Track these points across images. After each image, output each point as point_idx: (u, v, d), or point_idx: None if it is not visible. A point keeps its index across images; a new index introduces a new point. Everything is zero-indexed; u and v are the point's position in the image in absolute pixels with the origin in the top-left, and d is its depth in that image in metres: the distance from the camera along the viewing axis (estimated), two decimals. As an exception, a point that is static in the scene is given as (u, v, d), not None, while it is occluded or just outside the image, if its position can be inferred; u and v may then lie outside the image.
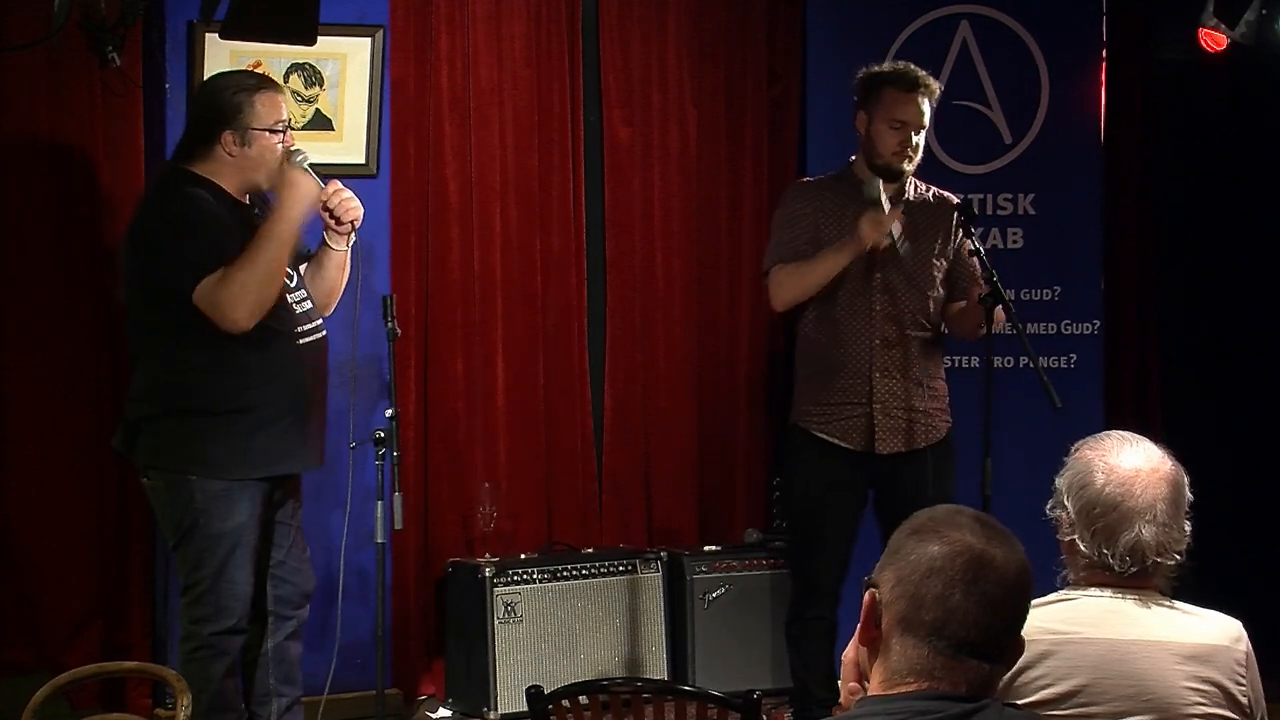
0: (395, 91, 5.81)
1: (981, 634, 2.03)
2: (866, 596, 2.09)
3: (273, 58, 5.40)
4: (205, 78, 5.25)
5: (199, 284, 4.38)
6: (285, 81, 5.46)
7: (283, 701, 4.71)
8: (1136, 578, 2.75)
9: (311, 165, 4.58)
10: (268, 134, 4.52)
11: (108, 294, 5.46)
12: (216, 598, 4.51)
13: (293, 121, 5.41)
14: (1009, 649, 2.08)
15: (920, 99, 5.05)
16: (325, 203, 4.63)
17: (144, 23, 5.36)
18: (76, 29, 5.21)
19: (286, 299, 4.54)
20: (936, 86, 5.12)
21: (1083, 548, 2.76)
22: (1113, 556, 2.73)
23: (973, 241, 4.94)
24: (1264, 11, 5.72)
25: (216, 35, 5.11)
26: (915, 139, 5.06)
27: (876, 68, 5.15)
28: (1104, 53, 6.43)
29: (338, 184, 4.67)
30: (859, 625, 2.11)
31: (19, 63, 5.28)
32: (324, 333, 4.68)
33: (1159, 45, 6.75)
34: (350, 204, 4.66)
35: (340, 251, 4.73)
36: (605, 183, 6.34)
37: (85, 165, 5.43)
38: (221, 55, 5.31)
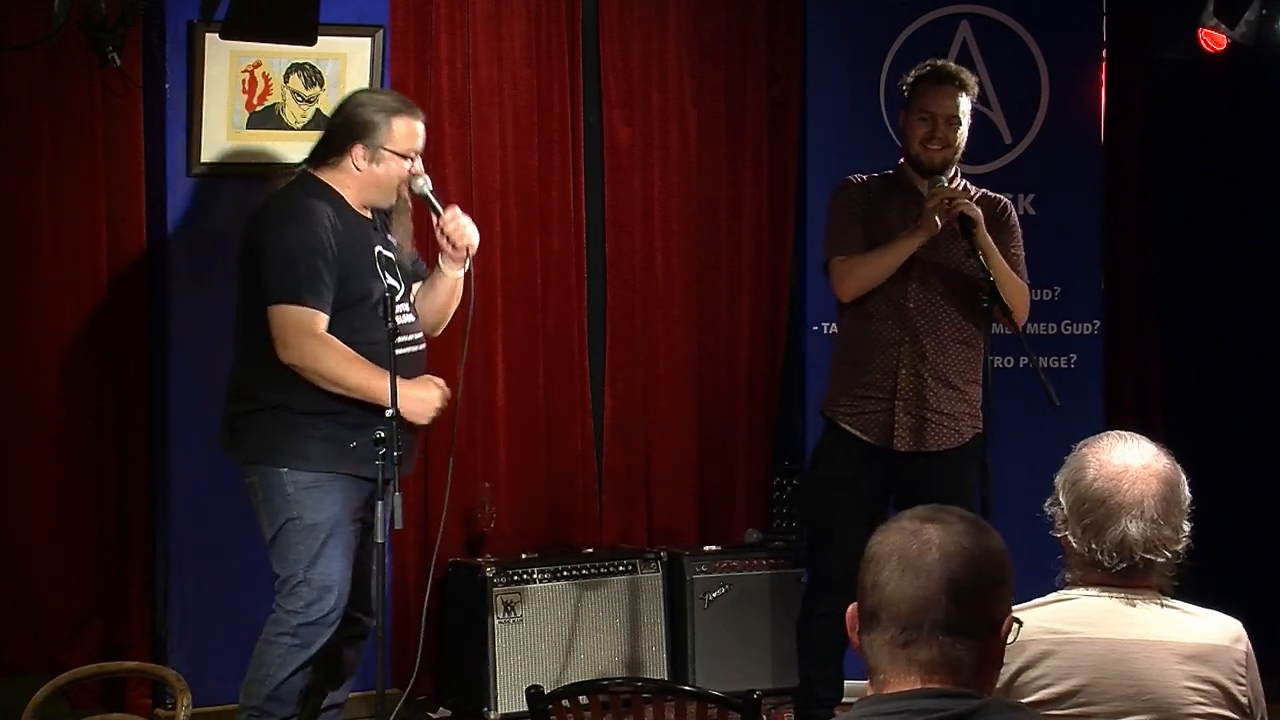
0: (395, 91, 5.80)
1: (912, 607, 2.02)
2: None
3: (273, 58, 5.40)
4: (204, 77, 5.27)
5: (280, 305, 4.50)
6: (285, 82, 5.47)
7: (321, 700, 4.73)
8: (1130, 576, 2.75)
9: (432, 189, 4.71)
10: (398, 158, 4.62)
11: (108, 293, 5.47)
12: (309, 589, 4.55)
13: (293, 122, 5.42)
14: (970, 622, 2.04)
15: (954, 93, 5.05)
16: (442, 228, 4.72)
17: (144, 23, 5.36)
18: (76, 29, 5.21)
19: (392, 310, 4.54)
20: (972, 81, 5.12)
21: (1074, 544, 2.77)
22: (1101, 552, 2.73)
23: (971, 242, 4.93)
24: (1264, 11, 5.72)
25: (216, 35, 5.12)
26: (945, 131, 5.05)
27: (919, 67, 5.18)
28: (1104, 53, 6.43)
29: (455, 210, 4.77)
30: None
31: (19, 63, 5.27)
32: (423, 346, 4.75)
33: (1159, 45, 6.75)
34: (465, 230, 4.75)
35: (452, 277, 4.80)
36: (605, 183, 6.34)
37: (85, 165, 5.42)
38: (222, 55, 5.31)
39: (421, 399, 4.58)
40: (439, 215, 4.73)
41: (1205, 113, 6.99)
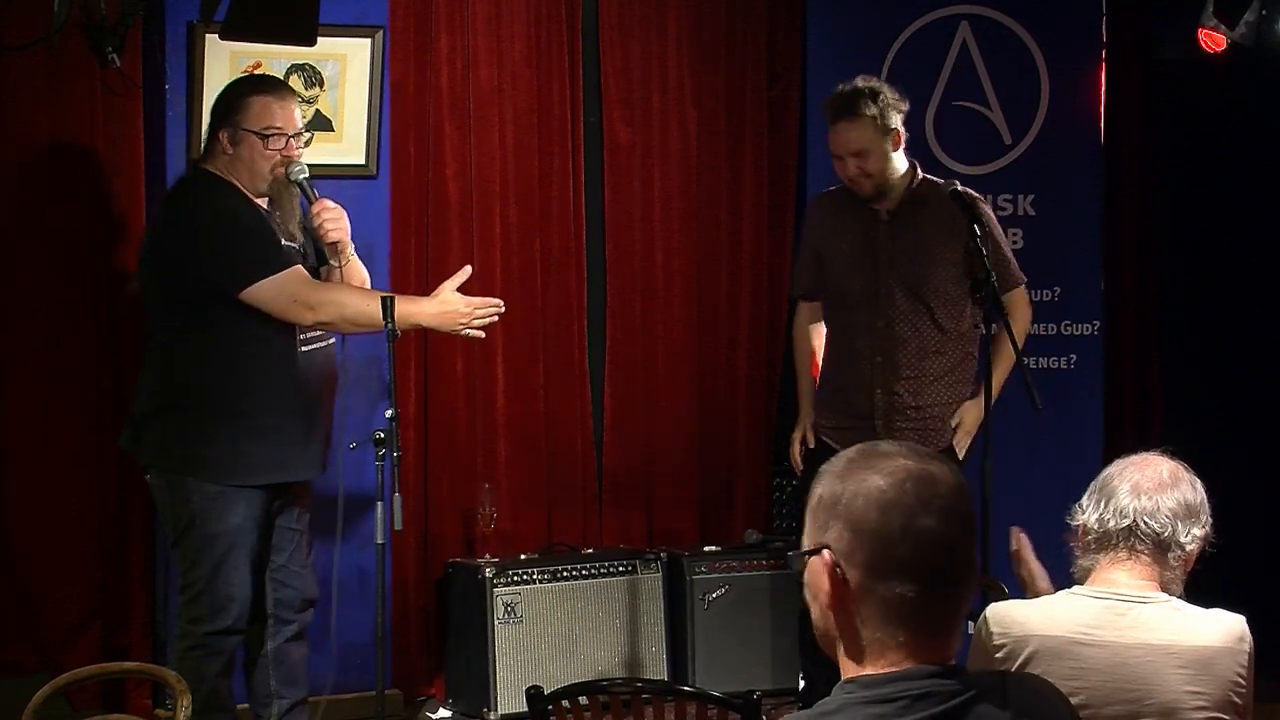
0: (395, 92, 5.81)
1: (950, 555, 1.93)
2: (820, 561, 1.94)
3: (273, 58, 5.39)
4: (204, 78, 5.28)
5: (259, 283, 4.46)
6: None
7: (284, 704, 4.73)
8: (1133, 551, 2.79)
9: (308, 178, 4.61)
10: (256, 137, 4.54)
11: (108, 293, 5.47)
12: (212, 598, 4.55)
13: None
14: (974, 563, 1.98)
15: (850, 125, 4.93)
16: (314, 222, 4.66)
17: (144, 23, 5.36)
18: (76, 29, 5.21)
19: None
20: (871, 106, 4.92)
21: (1087, 521, 2.85)
22: (1108, 518, 2.82)
23: (975, 240, 4.88)
24: (1264, 11, 5.72)
25: (216, 36, 5.11)
26: (856, 166, 4.96)
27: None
28: (1104, 53, 6.43)
29: (325, 203, 4.66)
30: (821, 595, 1.95)
31: (19, 63, 5.27)
32: (331, 341, 4.69)
33: (1159, 45, 6.75)
34: (329, 224, 4.64)
35: (333, 267, 4.71)
36: (605, 183, 6.34)
37: (85, 165, 5.42)
38: (221, 56, 5.31)
39: (445, 312, 4.63)
40: (310, 204, 4.65)
41: (1205, 113, 6.99)
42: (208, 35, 5.22)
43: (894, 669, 1.92)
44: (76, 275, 5.44)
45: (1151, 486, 2.83)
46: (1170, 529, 2.80)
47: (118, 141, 5.47)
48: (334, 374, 4.72)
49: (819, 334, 5.32)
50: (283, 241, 4.59)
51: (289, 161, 4.58)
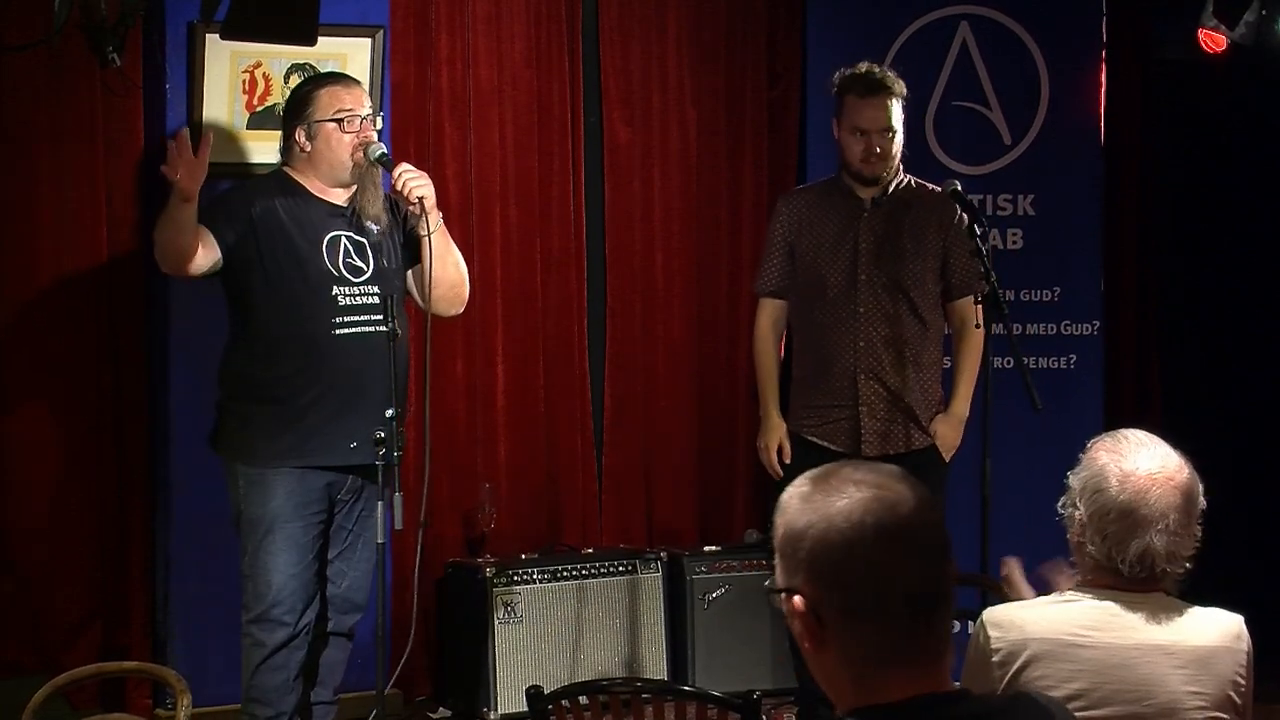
0: (395, 92, 5.81)
1: (926, 584, 1.85)
2: (794, 604, 1.87)
3: (273, 58, 5.40)
4: (204, 78, 5.29)
5: None
6: (285, 82, 5.47)
7: (302, 700, 4.74)
8: (1144, 582, 2.76)
9: (385, 154, 4.70)
10: (329, 125, 4.65)
11: (108, 293, 5.47)
12: (254, 585, 4.61)
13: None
14: (951, 579, 1.90)
15: (883, 102, 5.01)
16: (395, 186, 4.69)
17: (144, 23, 5.36)
18: (76, 29, 5.20)
19: (330, 290, 4.60)
20: (899, 85, 5.06)
21: (1092, 550, 2.76)
22: (1122, 562, 2.73)
23: (976, 240, 4.89)
24: (1264, 11, 5.72)
25: (216, 36, 5.12)
26: (880, 144, 5.02)
27: (843, 72, 5.13)
28: (1104, 53, 6.43)
29: (403, 166, 4.73)
30: (800, 638, 1.90)
31: (19, 63, 5.27)
32: (378, 328, 4.63)
33: (1159, 45, 6.75)
34: (411, 182, 4.66)
35: (424, 236, 4.71)
36: (605, 183, 6.34)
37: (85, 165, 5.42)
38: (222, 56, 5.31)
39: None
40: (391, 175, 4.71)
41: (1205, 113, 6.99)
42: (208, 35, 5.22)
43: (896, 699, 1.85)
44: (77, 275, 5.44)
45: (1178, 524, 2.71)
46: (1187, 564, 2.76)
47: (118, 141, 5.47)
48: (379, 357, 4.60)
49: (779, 340, 5.31)
50: (296, 238, 4.63)
51: (366, 144, 4.66)
